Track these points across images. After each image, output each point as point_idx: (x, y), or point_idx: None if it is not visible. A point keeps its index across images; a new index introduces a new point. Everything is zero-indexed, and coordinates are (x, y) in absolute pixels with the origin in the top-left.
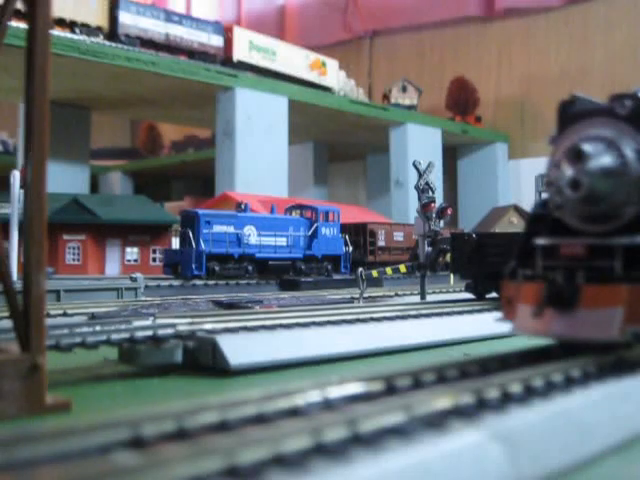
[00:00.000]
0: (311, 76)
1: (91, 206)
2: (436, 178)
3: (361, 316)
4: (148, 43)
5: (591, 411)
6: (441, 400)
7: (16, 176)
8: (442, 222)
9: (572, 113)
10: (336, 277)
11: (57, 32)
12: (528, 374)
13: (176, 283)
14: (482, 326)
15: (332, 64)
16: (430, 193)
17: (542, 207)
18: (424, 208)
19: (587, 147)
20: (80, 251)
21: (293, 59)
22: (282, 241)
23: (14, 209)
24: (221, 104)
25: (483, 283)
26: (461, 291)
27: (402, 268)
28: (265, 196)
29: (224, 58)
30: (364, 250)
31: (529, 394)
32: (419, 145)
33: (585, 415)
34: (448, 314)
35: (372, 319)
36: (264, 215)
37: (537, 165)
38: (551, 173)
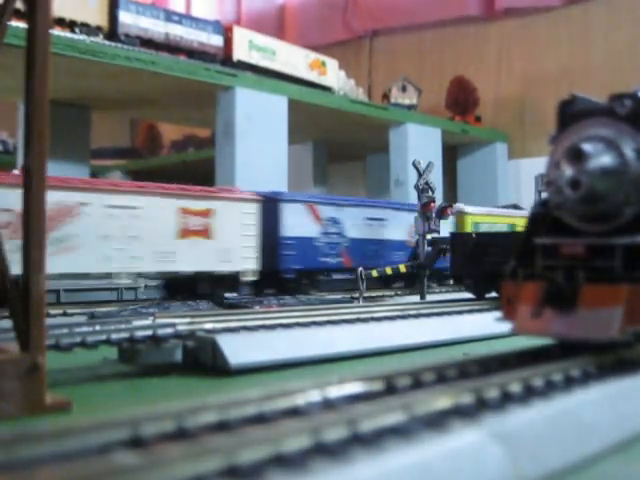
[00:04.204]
0: (311, 76)
1: None
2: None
3: (361, 316)
4: (148, 43)
5: (591, 411)
6: (441, 400)
7: None
8: (442, 222)
9: (572, 113)
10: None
11: (57, 32)
12: (528, 374)
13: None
14: (482, 326)
15: (332, 64)
16: (430, 193)
17: (542, 207)
18: (424, 208)
19: (587, 147)
20: None
21: (293, 59)
22: None
23: None
24: (221, 104)
25: (483, 283)
26: (461, 291)
27: (402, 268)
28: None
29: (224, 58)
30: None
31: (529, 394)
32: (419, 145)
33: (585, 415)
34: (448, 314)
35: (372, 319)
36: None
37: (537, 165)
38: (551, 173)
